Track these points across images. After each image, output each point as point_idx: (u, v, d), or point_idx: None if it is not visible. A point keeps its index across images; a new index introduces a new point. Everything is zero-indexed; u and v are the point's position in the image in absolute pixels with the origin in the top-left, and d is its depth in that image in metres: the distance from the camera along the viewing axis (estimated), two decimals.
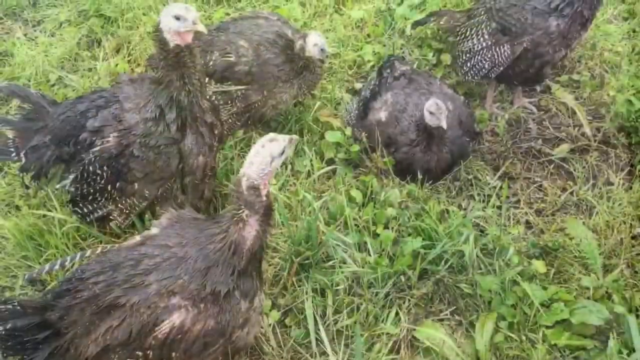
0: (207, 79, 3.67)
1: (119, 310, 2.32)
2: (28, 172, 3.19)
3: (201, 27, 2.81)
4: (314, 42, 3.67)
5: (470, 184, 3.91)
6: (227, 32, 3.72)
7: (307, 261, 3.16)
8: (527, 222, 3.72)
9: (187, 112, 2.97)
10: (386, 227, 3.42)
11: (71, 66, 4.54)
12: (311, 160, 3.76)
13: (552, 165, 4.05)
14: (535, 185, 3.93)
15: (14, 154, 3.19)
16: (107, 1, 5.01)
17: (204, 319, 2.35)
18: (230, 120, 3.76)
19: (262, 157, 2.29)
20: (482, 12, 4.08)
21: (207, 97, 3.18)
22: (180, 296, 2.33)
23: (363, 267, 3.17)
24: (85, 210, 3.15)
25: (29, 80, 4.37)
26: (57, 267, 2.66)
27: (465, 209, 3.74)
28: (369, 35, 4.84)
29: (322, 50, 3.71)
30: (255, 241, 2.43)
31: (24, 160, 3.17)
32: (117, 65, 4.43)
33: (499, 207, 3.75)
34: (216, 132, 3.11)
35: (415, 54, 4.74)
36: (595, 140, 4.11)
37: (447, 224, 3.43)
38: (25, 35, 4.91)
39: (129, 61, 4.51)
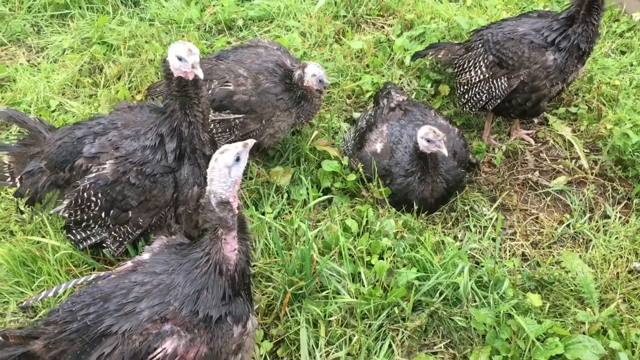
0: None
1: (110, 337, 2.29)
2: (23, 197, 3.20)
3: (199, 73, 2.85)
4: (313, 73, 3.70)
5: (467, 215, 3.90)
6: (227, 61, 3.75)
7: (300, 291, 3.15)
8: (523, 254, 3.71)
9: (187, 143, 2.99)
10: (381, 257, 3.41)
11: (72, 92, 4.58)
12: (307, 189, 3.77)
13: (549, 198, 4.05)
14: (531, 217, 3.93)
15: (9, 179, 3.21)
16: (110, 29, 5.08)
17: (197, 345, 2.33)
18: None
19: (219, 170, 2.29)
20: (480, 45, 4.11)
21: (209, 129, 3.21)
22: (173, 322, 2.32)
23: (357, 298, 3.15)
24: (79, 236, 3.15)
25: (30, 106, 4.40)
26: (50, 294, 2.64)
27: (461, 240, 3.73)
28: (368, 66, 4.89)
29: (321, 80, 3.73)
30: (239, 258, 2.43)
31: (19, 185, 3.18)
32: (117, 92, 4.46)
33: (496, 239, 3.75)
34: None
35: (413, 85, 4.77)
36: (592, 173, 4.11)
37: (442, 255, 3.43)
38: (28, 61, 4.97)
39: (129, 88, 4.54)
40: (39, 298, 2.66)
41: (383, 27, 5.36)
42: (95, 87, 4.64)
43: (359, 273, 3.28)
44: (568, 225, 3.84)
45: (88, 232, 3.12)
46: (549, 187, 4.09)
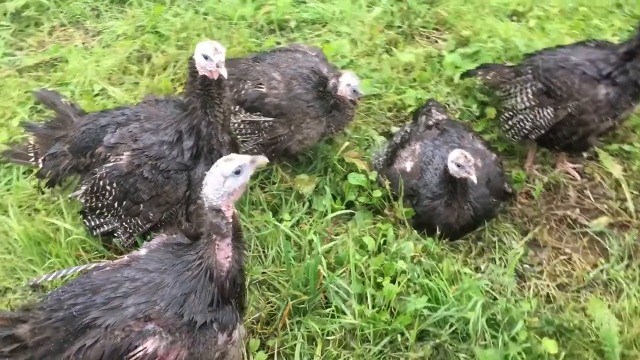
0: (237, 107, 3.69)
1: (94, 330, 2.30)
2: (44, 178, 3.26)
3: (223, 72, 2.83)
4: (347, 82, 3.62)
5: (494, 246, 3.72)
6: (263, 63, 3.72)
7: (302, 305, 3.07)
8: (548, 295, 3.50)
9: (205, 142, 2.98)
10: (393, 280, 3.29)
11: (118, 78, 4.65)
12: (329, 201, 3.69)
13: (586, 238, 3.82)
14: (564, 257, 3.71)
15: (32, 159, 3.28)
16: (165, 19, 5.15)
17: (177, 348, 2.31)
18: (255, 150, 3.74)
19: (215, 177, 2.25)
20: (529, 71, 3.92)
21: (229, 131, 3.19)
22: (156, 322, 2.30)
23: (360, 319, 3.05)
24: (93, 223, 3.18)
25: (75, 88, 4.50)
26: (58, 276, 2.69)
27: (483, 272, 3.56)
28: (414, 80, 4.75)
29: (355, 90, 3.65)
30: (231, 265, 2.39)
31: (41, 165, 3.24)
32: (160, 82, 4.50)
33: (521, 276, 3.58)
34: None
35: (459, 104, 4.61)
36: (637, 217, 3.85)
37: (458, 286, 3.27)
38: (83, 43, 5.09)
39: (172, 80, 4.57)
40: (41, 279, 2.70)
41: (437, 42, 5.21)
42: (141, 75, 4.69)
43: (367, 294, 3.17)
44: (602, 271, 3.61)
45: (101, 219, 3.15)
46: (588, 227, 3.85)
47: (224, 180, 2.24)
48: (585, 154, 4.32)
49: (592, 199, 4.05)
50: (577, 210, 3.98)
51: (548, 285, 3.53)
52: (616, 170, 4.14)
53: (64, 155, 3.18)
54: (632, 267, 3.60)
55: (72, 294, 2.37)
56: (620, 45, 3.70)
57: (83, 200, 3.12)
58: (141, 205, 3.00)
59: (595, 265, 3.65)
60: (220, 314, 2.40)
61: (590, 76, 3.62)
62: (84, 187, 3.10)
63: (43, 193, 3.39)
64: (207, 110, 2.91)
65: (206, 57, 2.80)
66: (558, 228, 3.91)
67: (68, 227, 3.24)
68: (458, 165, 3.38)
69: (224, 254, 2.37)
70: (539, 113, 3.83)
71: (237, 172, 2.26)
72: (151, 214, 3.03)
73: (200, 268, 2.38)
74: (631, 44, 3.60)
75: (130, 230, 3.11)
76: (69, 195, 3.21)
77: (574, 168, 4.23)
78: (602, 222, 3.89)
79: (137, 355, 2.27)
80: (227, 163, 2.27)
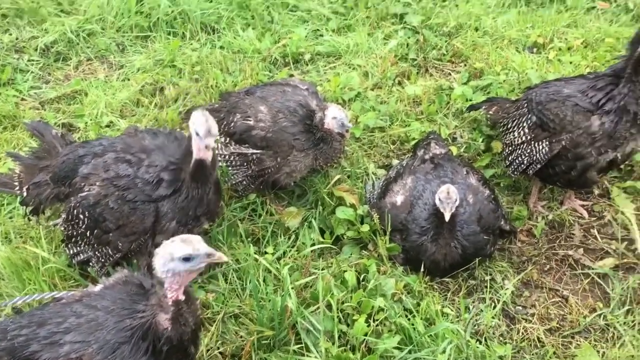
0: (227, 139, 3.75)
1: None
2: (27, 206, 3.38)
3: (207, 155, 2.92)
4: (333, 115, 3.60)
5: (485, 285, 3.57)
6: (253, 96, 3.77)
7: (265, 341, 3.03)
8: (538, 339, 3.32)
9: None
10: (369, 318, 3.20)
11: (130, 110, 4.80)
12: (317, 234, 3.66)
13: (587, 280, 3.62)
14: (560, 300, 3.53)
15: (17, 188, 3.40)
16: (183, 53, 5.30)
17: None
18: (244, 182, 3.78)
19: (163, 253, 2.25)
20: (525, 104, 3.80)
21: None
22: None
23: (327, 357, 2.98)
24: (72, 251, 3.25)
25: (89, 119, 4.67)
26: (18, 302, 2.77)
27: (470, 313, 3.42)
28: (422, 113, 4.68)
29: (342, 124, 3.62)
30: (168, 337, 2.38)
31: (25, 194, 3.36)
32: (167, 114, 4.62)
33: (511, 318, 3.43)
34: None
35: (465, 137, 4.50)
36: None
37: (435, 326, 3.16)
38: (105, 77, 5.28)
39: (179, 112, 4.66)
40: (11, 303, 2.80)
41: (450, 74, 5.13)
42: (154, 108, 4.82)
43: (338, 331, 3.10)
44: (600, 315, 3.40)
45: (78, 248, 3.22)
46: (592, 269, 3.66)
47: (170, 259, 2.24)
48: (595, 191, 4.12)
49: (599, 239, 3.85)
50: (581, 251, 3.80)
51: (538, 329, 3.35)
52: (628, 209, 3.93)
53: (46, 185, 3.28)
54: (633, 314, 3.38)
55: (18, 325, 2.42)
56: (606, 70, 3.53)
57: (62, 229, 3.22)
58: (110, 234, 3.06)
59: (593, 310, 3.45)
60: None
61: (582, 107, 3.46)
62: (63, 215, 3.19)
63: (29, 220, 3.51)
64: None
65: (197, 134, 2.85)
66: (559, 269, 3.73)
67: (45, 256, 3.33)
68: (440, 200, 3.30)
69: (163, 324, 2.37)
70: (535, 147, 3.69)
71: (186, 260, 2.25)
72: (120, 244, 3.07)
73: (140, 321, 2.36)
74: (615, 66, 3.44)
75: (103, 260, 3.16)
76: (51, 223, 3.32)
77: (583, 205, 4.04)
78: (607, 263, 3.70)
79: None
80: (181, 245, 2.25)
